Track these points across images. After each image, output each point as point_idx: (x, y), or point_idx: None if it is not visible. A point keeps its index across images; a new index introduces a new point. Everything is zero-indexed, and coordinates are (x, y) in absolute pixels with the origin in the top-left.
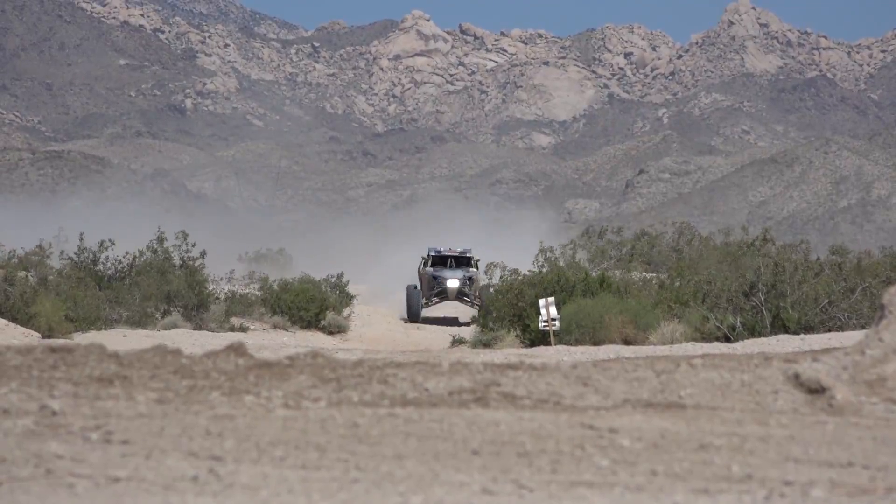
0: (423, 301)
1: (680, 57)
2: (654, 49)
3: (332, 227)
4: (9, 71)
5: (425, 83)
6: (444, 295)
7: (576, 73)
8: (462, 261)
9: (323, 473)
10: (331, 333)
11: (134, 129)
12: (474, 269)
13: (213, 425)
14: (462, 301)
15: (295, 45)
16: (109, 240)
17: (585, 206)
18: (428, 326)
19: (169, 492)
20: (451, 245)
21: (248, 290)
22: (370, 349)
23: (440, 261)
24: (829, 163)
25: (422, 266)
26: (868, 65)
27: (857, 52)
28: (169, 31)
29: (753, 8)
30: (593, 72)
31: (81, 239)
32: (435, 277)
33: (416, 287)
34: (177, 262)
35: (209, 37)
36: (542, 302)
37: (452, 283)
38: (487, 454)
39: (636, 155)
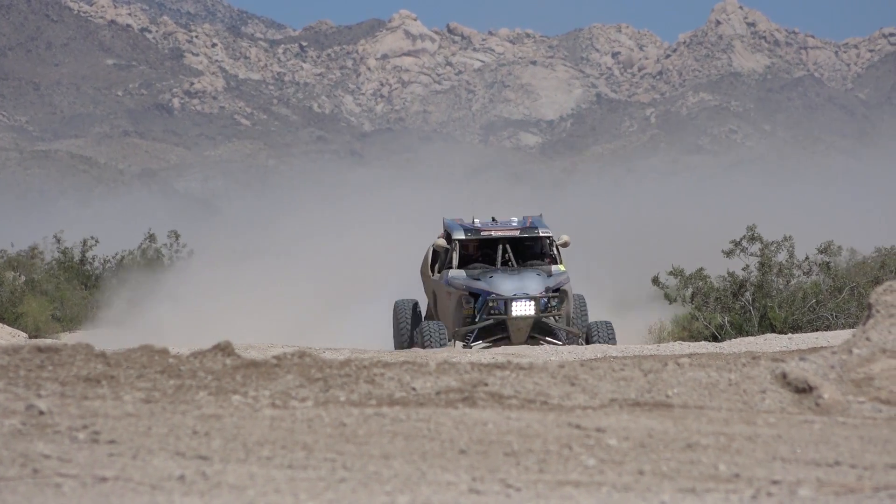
0: (450, 341)
1: (667, 56)
2: (641, 48)
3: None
4: None
5: (413, 83)
6: (501, 333)
7: (563, 73)
8: (529, 247)
9: (310, 473)
10: None
11: (121, 128)
12: (559, 268)
13: (200, 425)
14: (536, 342)
15: (282, 45)
16: (93, 238)
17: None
18: None
19: (156, 491)
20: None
21: None
22: (357, 349)
23: (483, 249)
24: (816, 162)
25: (428, 263)
26: (855, 64)
27: (845, 52)
28: (156, 31)
29: (741, 7)
30: (581, 71)
31: (59, 241)
32: (476, 294)
33: (417, 314)
34: (166, 262)
35: (196, 36)
36: None
37: (522, 309)
38: (475, 453)
39: (624, 154)
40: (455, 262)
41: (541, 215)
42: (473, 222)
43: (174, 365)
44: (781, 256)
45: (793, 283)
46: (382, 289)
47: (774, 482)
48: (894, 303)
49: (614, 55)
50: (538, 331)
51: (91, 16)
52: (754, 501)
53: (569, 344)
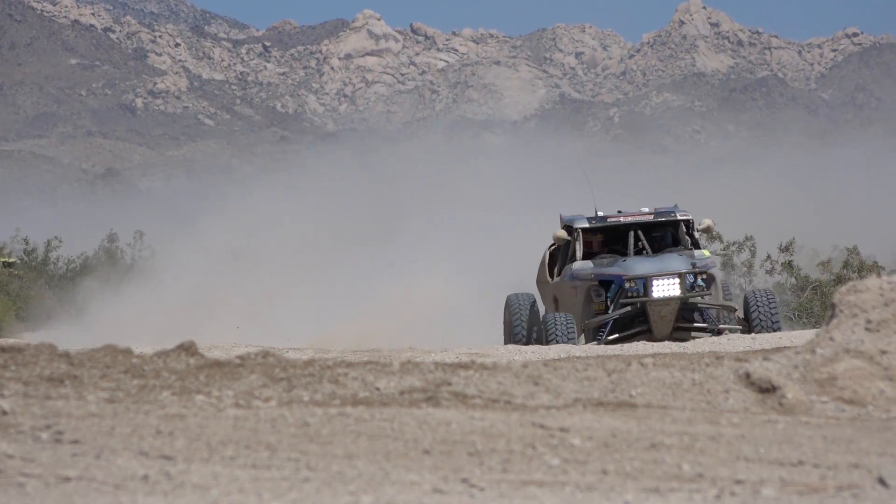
0: (579, 337)
1: (631, 56)
2: (605, 49)
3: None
4: None
5: (376, 83)
6: (640, 325)
7: (527, 73)
8: (664, 236)
9: (273, 473)
10: None
11: (85, 128)
12: (704, 253)
13: (163, 425)
14: (683, 335)
15: (246, 45)
16: (57, 238)
17: None
18: None
19: (119, 491)
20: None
21: None
22: (321, 348)
23: (609, 238)
24: (779, 162)
25: (546, 268)
26: (819, 64)
27: (808, 52)
28: (120, 31)
29: (704, 7)
30: (544, 71)
31: (27, 242)
32: (605, 282)
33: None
34: (129, 261)
35: (160, 36)
36: None
37: (666, 289)
38: (438, 453)
39: (587, 155)
40: (579, 253)
41: (675, 205)
42: (596, 214)
43: (138, 365)
44: (744, 256)
45: (755, 281)
46: (352, 290)
47: (738, 482)
48: (858, 303)
49: (578, 55)
50: (684, 319)
51: (54, 16)
52: (718, 501)
53: (725, 329)
